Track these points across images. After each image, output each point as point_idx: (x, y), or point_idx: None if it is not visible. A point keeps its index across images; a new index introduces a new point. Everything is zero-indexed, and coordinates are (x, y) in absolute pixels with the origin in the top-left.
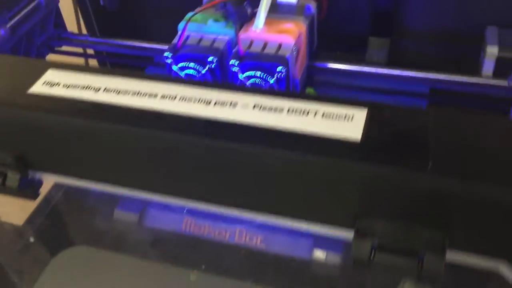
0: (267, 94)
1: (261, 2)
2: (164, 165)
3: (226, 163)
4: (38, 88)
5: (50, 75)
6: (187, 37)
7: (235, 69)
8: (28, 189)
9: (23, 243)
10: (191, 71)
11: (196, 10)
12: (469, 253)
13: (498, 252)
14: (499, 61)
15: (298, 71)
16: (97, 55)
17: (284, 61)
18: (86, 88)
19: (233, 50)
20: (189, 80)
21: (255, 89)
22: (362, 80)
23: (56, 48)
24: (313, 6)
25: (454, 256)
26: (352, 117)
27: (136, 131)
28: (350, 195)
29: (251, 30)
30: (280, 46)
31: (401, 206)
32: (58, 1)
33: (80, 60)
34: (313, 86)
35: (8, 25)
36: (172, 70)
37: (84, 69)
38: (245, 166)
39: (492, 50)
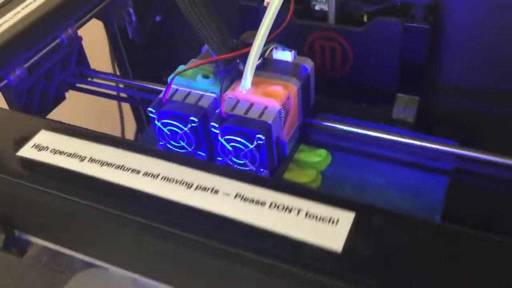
0: (251, 182)
1: (247, 64)
2: (136, 246)
3: (198, 259)
4: (27, 151)
5: (41, 136)
6: (176, 90)
7: (216, 131)
8: (13, 248)
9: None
10: (174, 128)
11: (187, 65)
12: None
13: None
14: None
15: (286, 133)
16: (117, 96)
17: (265, 128)
18: (72, 156)
19: (216, 111)
20: (174, 156)
21: (240, 174)
22: (368, 145)
23: (77, 85)
24: (309, 66)
25: None
26: (337, 221)
27: (111, 213)
28: None
29: (238, 90)
30: (265, 109)
31: None
32: (81, 39)
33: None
34: (307, 144)
35: (26, 65)
36: (156, 125)
37: (75, 132)
38: (215, 264)
39: None
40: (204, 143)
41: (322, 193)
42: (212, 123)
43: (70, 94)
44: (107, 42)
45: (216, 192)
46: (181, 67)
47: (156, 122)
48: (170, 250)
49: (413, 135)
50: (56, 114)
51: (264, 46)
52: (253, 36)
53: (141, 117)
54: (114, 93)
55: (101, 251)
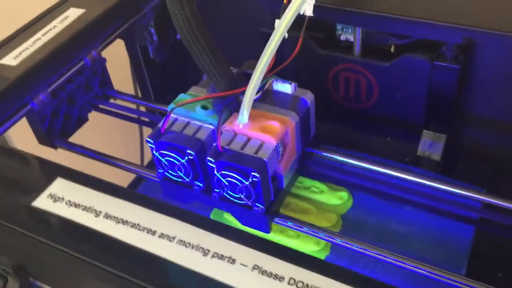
0: (269, 251)
1: (243, 101)
2: None
3: None
4: (42, 201)
5: (57, 185)
6: (175, 120)
7: (212, 165)
8: None
9: None
10: (171, 159)
11: (188, 93)
12: None
13: None
14: None
15: (283, 167)
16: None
17: (260, 165)
18: (87, 209)
19: (213, 145)
20: (191, 216)
21: (258, 242)
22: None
23: (100, 106)
24: (308, 99)
25: None
26: None
27: (124, 278)
28: None
29: (235, 123)
30: (261, 145)
31: None
32: (105, 61)
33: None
34: (307, 176)
35: (50, 89)
36: (154, 155)
37: (92, 182)
38: None
39: None
40: (201, 174)
41: (345, 271)
42: (208, 158)
43: (93, 114)
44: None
45: (233, 261)
46: (181, 96)
47: (154, 152)
48: None
49: (436, 177)
50: (77, 136)
51: (264, 79)
52: (254, 66)
53: None
54: (135, 116)
55: None
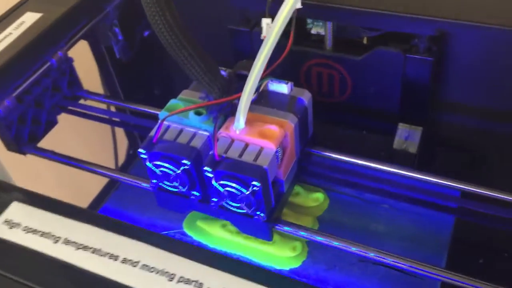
0: (239, 273)
1: (239, 106)
2: None
3: None
4: None
5: (14, 210)
6: (168, 127)
7: (209, 175)
8: None
9: None
10: (166, 170)
11: (178, 97)
12: None
13: None
14: None
15: (283, 172)
16: (109, 120)
17: (261, 173)
18: (46, 235)
19: (210, 153)
20: (156, 237)
21: (226, 263)
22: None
23: (69, 108)
24: (306, 98)
25: None
26: None
27: None
28: None
29: (232, 128)
30: (261, 151)
31: None
32: (72, 60)
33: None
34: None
35: (15, 94)
36: (147, 166)
37: (51, 205)
38: None
39: None
40: (198, 183)
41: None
42: (205, 167)
43: (63, 115)
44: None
45: (201, 285)
46: (172, 102)
47: (147, 163)
48: None
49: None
50: (47, 139)
51: (260, 81)
52: (247, 66)
53: (133, 135)
54: (106, 116)
55: None
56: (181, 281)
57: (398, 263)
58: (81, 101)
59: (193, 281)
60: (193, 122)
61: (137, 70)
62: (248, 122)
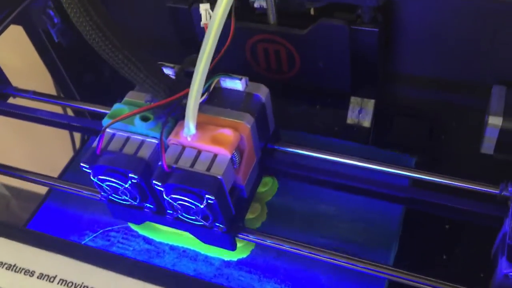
0: (166, 283)
1: (187, 110)
2: None
3: None
4: None
5: None
6: (113, 135)
7: (160, 188)
8: None
9: None
10: (113, 184)
11: (123, 101)
12: None
13: None
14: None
15: (242, 177)
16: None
17: (215, 184)
18: None
19: (159, 165)
20: (76, 248)
21: (151, 273)
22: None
23: None
24: (263, 94)
25: None
26: None
27: None
28: None
29: (182, 135)
30: (214, 158)
31: None
32: None
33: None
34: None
35: None
36: (93, 181)
37: None
38: None
39: (494, 122)
40: (150, 196)
41: None
42: (154, 181)
43: None
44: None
45: None
46: (117, 106)
47: (92, 178)
48: None
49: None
50: None
51: (208, 79)
52: (195, 63)
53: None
54: (39, 116)
55: None
56: None
57: (346, 263)
58: (10, 100)
59: None
60: (140, 129)
61: (82, 54)
62: (200, 126)
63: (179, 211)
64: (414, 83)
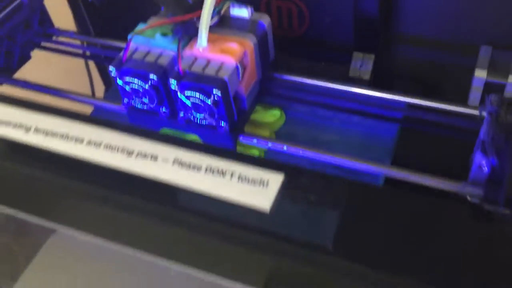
0: (188, 148)
1: (200, 23)
2: (89, 211)
3: (141, 219)
4: None
5: None
6: (136, 49)
7: (174, 87)
8: None
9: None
10: (135, 86)
11: (147, 24)
12: None
13: None
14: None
15: (244, 88)
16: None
17: (220, 84)
18: (18, 126)
19: (175, 68)
20: (115, 124)
21: (178, 140)
22: (324, 97)
23: (42, 44)
24: (266, 22)
25: None
26: (267, 183)
27: (58, 180)
28: (257, 263)
29: (195, 47)
30: (222, 65)
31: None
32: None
33: (61, 57)
34: (266, 99)
35: None
36: (118, 83)
37: (21, 103)
38: (155, 223)
39: (480, 74)
40: (165, 99)
41: (254, 157)
42: (170, 80)
43: (38, 53)
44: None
45: (156, 158)
46: (140, 25)
47: (117, 81)
48: (111, 214)
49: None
50: (24, 74)
51: (220, 4)
52: None
53: (106, 73)
54: (79, 51)
55: (51, 214)
56: (139, 156)
57: (345, 161)
58: (54, 38)
59: (149, 155)
60: (159, 43)
61: (110, 15)
62: (211, 41)
63: (190, 110)
64: (411, 43)
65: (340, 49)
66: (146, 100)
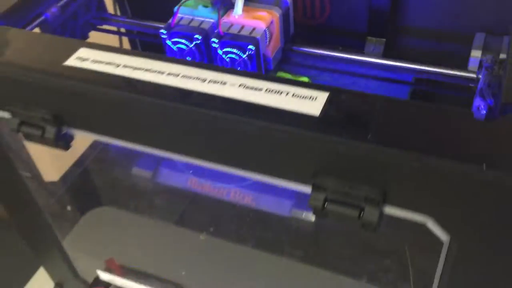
0: (251, 76)
1: None
2: (170, 128)
3: (215, 129)
4: (72, 62)
5: (82, 52)
6: (181, 18)
7: (216, 45)
8: (61, 141)
9: (56, 199)
10: (181, 46)
11: None
12: (402, 208)
13: (426, 209)
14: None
15: (270, 51)
16: (129, 34)
17: (254, 41)
18: (109, 63)
19: (216, 31)
20: (190, 62)
21: (242, 72)
22: (339, 65)
23: (98, 27)
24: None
25: (390, 210)
26: (316, 98)
27: (147, 100)
28: (308, 157)
29: (231, 16)
30: (253, 29)
31: (348, 168)
32: None
33: (115, 38)
34: (290, 68)
35: (59, 4)
36: (167, 44)
37: (109, 49)
38: (230, 131)
39: (475, 54)
40: (206, 59)
41: (304, 82)
42: (212, 39)
43: (92, 34)
44: None
45: (225, 83)
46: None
47: (167, 41)
48: (190, 128)
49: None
50: None
51: None
52: None
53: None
54: (133, 31)
55: (133, 134)
56: (211, 82)
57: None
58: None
59: (219, 81)
60: (201, 13)
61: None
62: (244, 11)
63: (227, 65)
64: (418, 33)
65: (355, 36)
66: (189, 59)
